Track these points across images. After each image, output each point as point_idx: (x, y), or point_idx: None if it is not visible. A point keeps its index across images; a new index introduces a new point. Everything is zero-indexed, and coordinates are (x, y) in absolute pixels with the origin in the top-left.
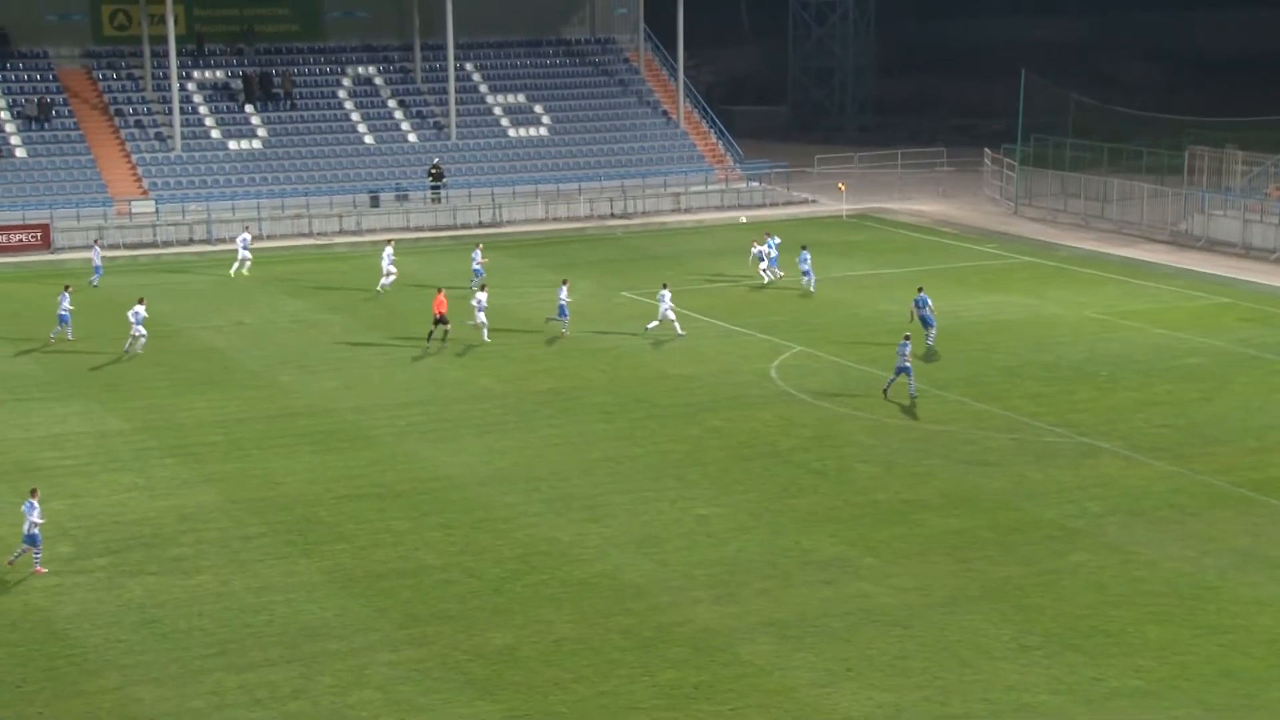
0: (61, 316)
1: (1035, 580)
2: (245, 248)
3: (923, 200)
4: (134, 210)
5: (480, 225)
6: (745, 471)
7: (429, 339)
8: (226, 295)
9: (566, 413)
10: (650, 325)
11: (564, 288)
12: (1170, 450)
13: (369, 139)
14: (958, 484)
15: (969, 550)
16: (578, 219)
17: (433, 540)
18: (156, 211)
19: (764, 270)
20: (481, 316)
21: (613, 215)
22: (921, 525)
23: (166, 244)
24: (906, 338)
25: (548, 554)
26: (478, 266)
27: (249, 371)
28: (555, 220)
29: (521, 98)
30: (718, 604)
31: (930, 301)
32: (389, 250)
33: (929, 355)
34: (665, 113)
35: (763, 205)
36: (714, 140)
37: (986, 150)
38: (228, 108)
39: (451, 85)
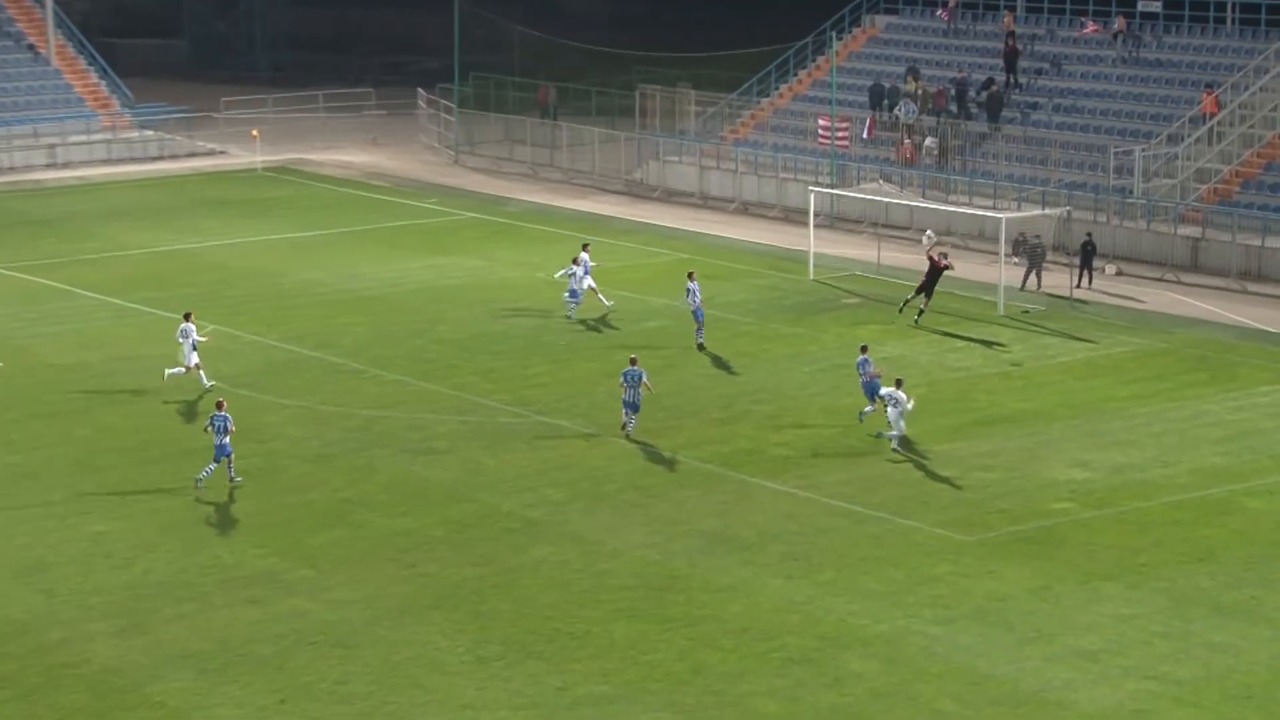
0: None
1: (493, 581)
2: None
3: (350, 149)
4: None
5: None
6: (151, 477)
7: None
8: None
9: None
10: None
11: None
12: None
13: None
14: (404, 477)
15: (419, 552)
16: None
17: None
18: None
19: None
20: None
21: None
22: (364, 527)
23: None
24: (864, 349)
25: None
26: None
27: None
28: None
29: None
30: (121, 637)
31: (699, 291)
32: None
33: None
34: (31, 47)
35: (160, 158)
36: (95, 80)
37: (421, 91)
38: None
39: None
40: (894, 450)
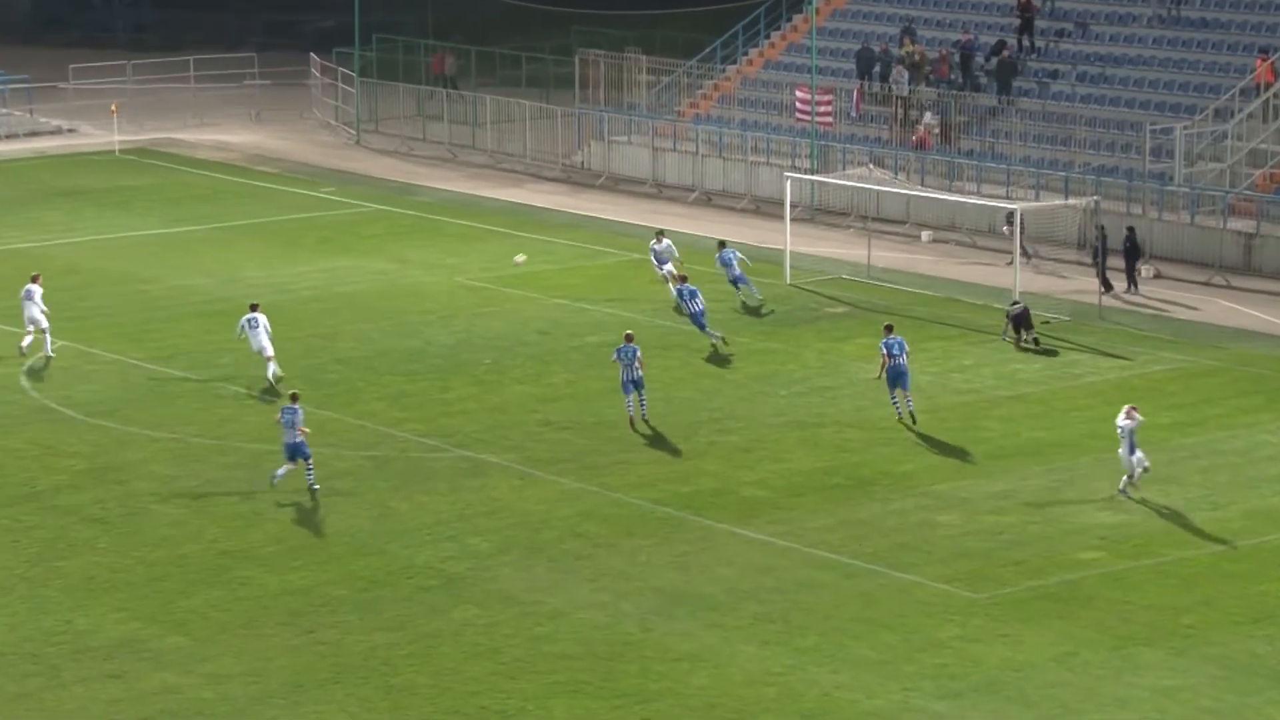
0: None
1: (407, 650)
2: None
3: (229, 127)
4: None
5: None
6: None
7: None
8: None
9: None
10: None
11: None
12: (576, 461)
13: None
14: (297, 524)
15: (316, 615)
16: None
17: None
18: None
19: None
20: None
21: None
22: (248, 585)
23: None
24: (889, 328)
25: None
26: None
27: None
28: None
29: None
30: None
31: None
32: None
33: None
34: None
35: None
36: None
37: (314, 56)
38: None
39: None
40: (1121, 494)
